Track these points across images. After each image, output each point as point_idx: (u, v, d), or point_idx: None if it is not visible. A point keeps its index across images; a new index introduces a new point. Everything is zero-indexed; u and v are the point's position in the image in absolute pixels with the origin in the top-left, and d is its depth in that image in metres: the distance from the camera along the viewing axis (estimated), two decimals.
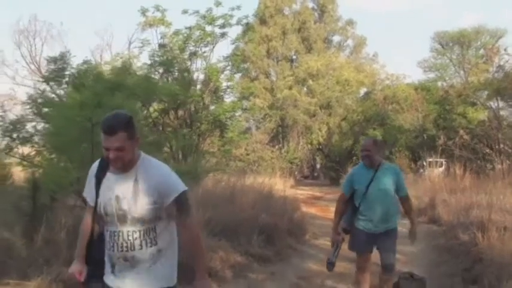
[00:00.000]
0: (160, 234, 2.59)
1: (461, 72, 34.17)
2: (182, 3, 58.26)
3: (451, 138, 16.77)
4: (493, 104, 17.36)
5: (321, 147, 32.24)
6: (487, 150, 16.44)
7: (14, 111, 20.53)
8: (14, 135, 8.99)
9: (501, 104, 16.74)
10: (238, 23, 18.33)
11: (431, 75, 35.22)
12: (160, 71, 16.35)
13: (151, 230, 2.58)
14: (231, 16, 16.81)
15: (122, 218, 2.55)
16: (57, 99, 17.50)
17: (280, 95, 31.29)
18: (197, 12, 16.38)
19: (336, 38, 38.49)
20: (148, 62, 16.23)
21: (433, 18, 70.90)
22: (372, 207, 4.62)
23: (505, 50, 15.98)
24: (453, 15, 67.65)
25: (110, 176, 2.61)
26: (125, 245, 2.55)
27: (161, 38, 17.55)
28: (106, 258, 2.64)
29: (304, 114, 30.16)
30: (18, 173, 12.83)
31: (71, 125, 4.88)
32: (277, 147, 30.89)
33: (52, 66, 12.47)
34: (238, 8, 17.17)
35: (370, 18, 63.57)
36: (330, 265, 4.79)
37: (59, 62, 12.11)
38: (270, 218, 8.29)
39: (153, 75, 15.80)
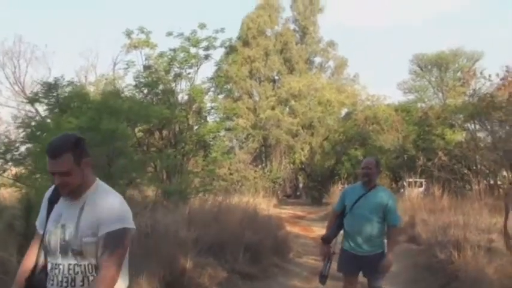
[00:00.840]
0: None
1: (440, 94, 34.99)
2: (166, 25, 58.76)
3: (430, 159, 17.16)
4: (470, 125, 17.88)
5: (303, 166, 32.57)
6: (465, 171, 16.88)
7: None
8: (8, 157, 9.12)
9: (478, 126, 17.25)
10: (222, 45, 18.76)
11: (411, 96, 36.13)
12: (145, 91, 16.62)
13: (95, 267, 2.29)
14: (215, 38, 17.18)
15: (64, 250, 2.30)
16: (41, 119, 17.68)
17: (263, 115, 31.72)
18: (181, 34, 16.69)
19: (318, 59, 39.19)
20: (133, 83, 16.51)
21: (412, 38, 72.30)
22: (355, 225, 4.78)
23: (481, 73, 16.52)
24: (433, 36, 69.02)
25: (61, 202, 2.39)
26: (65, 280, 2.30)
27: (146, 59, 17.80)
28: None
29: (286, 134, 30.58)
30: (5, 194, 13.00)
31: None
32: (260, 166, 31.18)
33: (44, 90, 12.64)
34: (222, 30, 17.51)
35: (351, 34, 64.60)
36: (323, 278, 4.91)
37: (52, 86, 12.26)
38: (255, 236, 8.53)
39: (137, 95, 16.10)
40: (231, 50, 33.88)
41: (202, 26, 16.91)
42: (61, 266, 2.30)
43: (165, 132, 16.57)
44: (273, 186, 29.31)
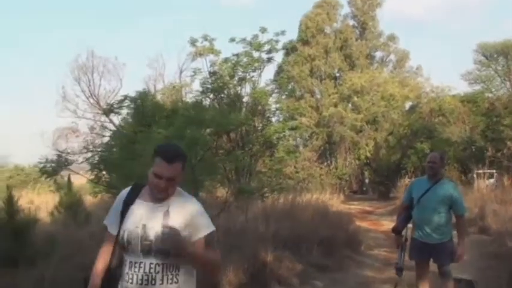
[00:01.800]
0: (183, 273, 2.49)
1: (508, 83, 33.87)
2: (228, 31, 59.98)
3: (499, 150, 16.95)
4: None
5: (368, 162, 32.52)
6: None
7: (76, 142, 22.02)
8: (102, 167, 9.88)
9: None
10: (284, 47, 19.27)
11: (477, 87, 35.08)
12: (211, 96, 17.37)
13: (175, 266, 2.45)
14: (277, 41, 17.70)
15: (147, 249, 2.42)
16: (114, 128, 18.78)
17: (326, 112, 31.90)
18: (244, 39, 17.30)
19: (379, 54, 38.79)
20: (200, 89, 17.29)
21: (474, 26, 70.04)
22: (423, 216, 5.22)
23: None
24: (496, 23, 66.63)
25: (139, 204, 2.51)
26: (145, 278, 2.42)
27: (211, 65, 18.56)
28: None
29: (350, 130, 30.67)
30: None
31: None
32: (325, 164, 31.41)
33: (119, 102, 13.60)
34: (283, 33, 17.98)
35: (410, 25, 63.49)
36: (399, 270, 5.37)
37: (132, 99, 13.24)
38: (328, 230, 9.01)
39: (204, 101, 16.86)
40: (291, 50, 34.37)
41: (263, 30, 17.33)
42: (142, 264, 2.40)
43: (232, 135, 17.21)
44: (339, 182, 29.48)
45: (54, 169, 8.90)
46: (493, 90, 34.21)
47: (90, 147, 20.83)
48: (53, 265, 5.87)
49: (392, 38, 37.65)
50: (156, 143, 6.15)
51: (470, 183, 20.58)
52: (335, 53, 35.75)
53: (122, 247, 2.44)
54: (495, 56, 35.31)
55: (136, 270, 2.40)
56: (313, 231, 8.69)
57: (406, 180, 24.21)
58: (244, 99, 18.12)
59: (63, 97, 22.69)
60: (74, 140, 22.18)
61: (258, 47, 17.32)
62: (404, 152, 28.68)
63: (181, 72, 24.13)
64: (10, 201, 6.65)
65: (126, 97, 16.42)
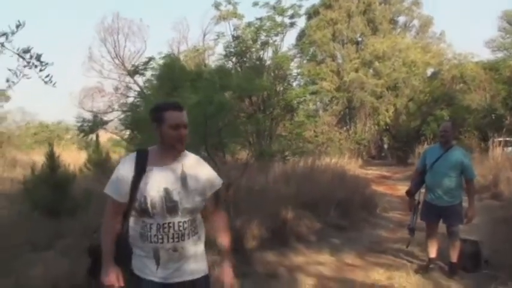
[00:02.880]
0: (199, 223, 2.76)
1: None
2: None
3: None
4: None
5: (388, 127, 32.61)
6: None
7: (102, 101, 22.60)
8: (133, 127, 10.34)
9: None
10: (306, 12, 19.41)
11: (500, 54, 34.60)
12: (234, 60, 17.66)
13: (194, 220, 2.70)
14: (300, 6, 17.86)
15: (173, 210, 2.60)
16: (138, 89, 19.24)
17: (346, 77, 31.91)
18: (267, 3, 17.46)
19: (402, 19, 38.26)
20: (223, 52, 17.60)
21: None
22: (435, 180, 5.71)
23: None
24: None
25: (152, 169, 2.62)
26: (175, 235, 2.60)
27: (234, 29, 18.80)
28: (143, 251, 2.63)
29: (371, 96, 30.68)
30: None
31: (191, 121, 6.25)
32: (344, 128, 31.61)
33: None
34: None
35: None
36: (411, 231, 6.00)
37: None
38: (345, 193, 9.46)
39: (226, 64, 17.17)
40: (313, 13, 34.19)
41: None
42: (171, 224, 2.59)
43: (254, 99, 17.53)
44: (358, 147, 29.73)
45: (91, 128, 9.42)
46: None
47: (116, 106, 21.41)
48: (91, 217, 6.45)
49: (416, 2, 37.10)
50: (187, 107, 6.61)
51: (488, 150, 20.71)
52: (358, 17, 35.38)
53: (144, 212, 2.57)
54: None
55: (166, 230, 2.58)
56: (331, 193, 9.14)
57: (425, 147, 24.46)
58: (267, 64, 18.46)
59: (90, 57, 23.22)
60: (100, 99, 22.89)
61: (282, 11, 17.52)
62: (424, 119, 28.70)
63: (204, 35, 24.40)
64: (52, 156, 7.20)
65: (151, 59, 16.97)
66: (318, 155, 16.95)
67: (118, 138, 18.79)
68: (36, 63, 3.89)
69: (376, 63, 31.79)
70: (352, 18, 35.31)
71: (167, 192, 2.60)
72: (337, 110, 32.39)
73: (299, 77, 19.41)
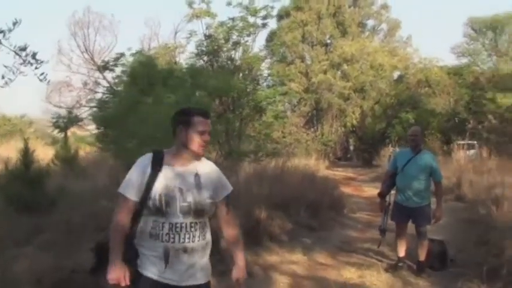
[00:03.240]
0: (207, 230, 2.82)
1: (494, 57, 34.47)
2: None
3: (481, 122, 17.57)
4: None
5: (354, 129, 33.14)
6: None
7: (70, 96, 22.25)
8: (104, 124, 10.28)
9: None
10: (277, 14, 19.61)
11: (464, 60, 35.70)
12: (205, 59, 17.69)
13: (205, 223, 2.78)
14: (273, 8, 18.01)
15: (186, 210, 2.66)
16: (107, 85, 19.08)
17: (315, 79, 32.26)
18: (240, 4, 17.54)
19: (370, 22, 38.94)
20: (195, 51, 17.61)
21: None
22: (405, 182, 5.96)
23: None
24: None
25: (168, 169, 2.70)
26: (187, 236, 2.66)
27: (206, 28, 18.81)
28: (151, 250, 2.68)
29: (338, 98, 31.15)
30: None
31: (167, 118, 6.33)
32: (312, 130, 31.95)
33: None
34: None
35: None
36: (382, 232, 6.27)
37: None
38: (314, 194, 9.65)
39: (197, 63, 17.19)
40: (284, 14, 34.40)
41: None
42: (183, 224, 2.65)
43: (224, 98, 17.59)
44: (325, 149, 30.11)
45: (65, 124, 9.37)
46: (479, 63, 34.87)
47: (83, 102, 21.11)
48: (66, 213, 6.47)
49: (385, 6, 37.83)
50: (166, 106, 6.68)
51: (451, 153, 21.32)
52: (327, 19, 35.79)
53: (158, 211, 2.63)
54: (484, 30, 35.85)
55: (178, 230, 2.65)
56: (302, 194, 9.30)
57: (390, 149, 24.99)
58: (238, 64, 18.55)
59: (59, 51, 22.89)
60: (68, 94, 22.56)
61: (255, 12, 17.61)
62: (390, 121, 29.32)
63: (176, 32, 24.36)
64: (26, 152, 7.16)
65: (121, 55, 16.86)
66: (287, 156, 17.11)
67: (81, 134, 18.58)
68: (32, 61, 3.93)
69: (345, 66, 32.30)
70: (322, 20, 35.69)
71: (181, 192, 2.68)
72: (304, 111, 32.72)
73: (269, 77, 19.59)
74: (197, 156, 2.76)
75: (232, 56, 18.15)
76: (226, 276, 5.29)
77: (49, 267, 4.36)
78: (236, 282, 2.88)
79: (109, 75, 18.46)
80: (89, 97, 20.47)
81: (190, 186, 2.72)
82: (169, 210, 2.64)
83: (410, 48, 36.05)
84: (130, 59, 16.96)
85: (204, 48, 17.44)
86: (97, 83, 21.32)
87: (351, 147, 37.97)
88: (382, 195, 6.22)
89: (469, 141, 23.02)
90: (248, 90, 17.98)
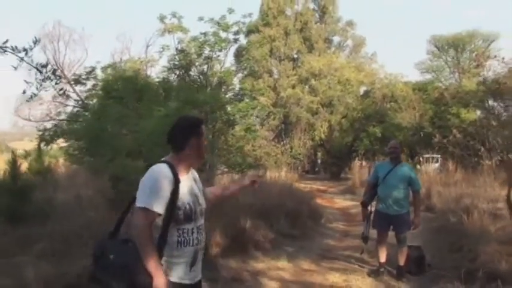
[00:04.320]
0: None
1: (456, 74, 35.76)
2: (196, 9, 59.70)
3: (445, 136, 18.18)
4: (484, 104, 18.83)
5: (322, 143, 33.65)
6: (478, 147, 17.89)
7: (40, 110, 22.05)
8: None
9: (493, 103, 18.16)
10: (248, 29, 20.05)
11: (428, 76, 36.87)
12: (177, 72, 17.91)
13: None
14: (244, 23, 18.42)
15: (201, 213, 2.91)
16: (77, 98, 19.03)
17: (283, 93, 32.76)
18: (212, 19, 17.86)
19: (336, 39, 39.78)
20: (167, 65, 17.81)
21: (431, 18, 72.50)
22: (386, 191, 6.37)
23: (495, 56, 17.49)
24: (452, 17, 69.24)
25: (183, 179, 2.82)
26: (205, 237, 2.95)
27: (179, 43, 19.05)
28: (182, 258, 2.78)
29: (307, 112, 31.63)
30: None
31: (160, 131, 6.58)
32: (282, 143, 32.34)
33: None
34: (250, 15, 18.75)
35: (370, 11, 65.15)
36: (365, 239, 6.60)
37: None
38: (293, 205, 9.98)
39: (170, 78, 17.40)
40: (254, 29, 34.88)
41: (230, 11, 17.99)
42: (201, 226, 2.88)
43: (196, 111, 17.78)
44: (294, 162, 30.48)
45: (51, 137, 9.45)
46: (443, 80, 36.07)
47: (53, 115, 20.95)
48: (58, 223, 6.61)
49: (350, 23, 38.72)
50: (156, 119, 6.91)
51: (416, 166, 21.97)
52: (295, 35, 36.48)
53: (188, 218, 2.78)
54: (446, 47, 37.13)
55: (201, 231, 2.88)
56: (281, 204, 9.63)
57: (358, 163, 25.55)
58: (210, 78, 18.84)
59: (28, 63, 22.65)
60: (38, 107, 22.33)
61: (226, 28, 17.97)
62: (357, 135, 29.84)
63: (147, 47, 24.48)
64: (14, 166, 7.27)
65: (94, 68, 16.93)
66: (265, 169, 17.44)
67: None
68: (52, 76, 4.14)
69: (313, 81, 32.86)
70: (289, 36, 36.34)
71: (196, 197, 2.91)
72: (274, 125, 33.07)
73: (241, 91, 19.90)
74: (201, 161, 3.09)
75: (205, 70, 18.48)
76: (217, 283, 5.58)
77: (54, 274, 4.53)
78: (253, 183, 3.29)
79: (80, 88, 18.42)
80: (58, 110, 20.36)
81: (199, 190, 2.97)
82: (194, 216, 2.83)
83: (375, 64, 37.05)
84: (104, 72, 17.11)
85: (176, 63, 17.71)
86: (67, 96, 21.19)
87: (319, 161, 38.52)
88: (364, 204, 6.59)
89: (433, 155, 23.89)
90: (221, 103, 18.33)
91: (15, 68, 4.23)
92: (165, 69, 17.80)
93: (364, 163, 27.83)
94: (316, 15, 38.99)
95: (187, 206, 2.80)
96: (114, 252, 2.70)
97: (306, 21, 37.23)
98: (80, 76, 17.29)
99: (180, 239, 2.77)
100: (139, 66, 22.49)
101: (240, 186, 3.41)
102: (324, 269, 6.82)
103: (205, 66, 18.56)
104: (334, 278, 6.34)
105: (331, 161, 32.06)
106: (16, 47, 4.12)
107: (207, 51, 18.29)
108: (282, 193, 10.91)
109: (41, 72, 4.20)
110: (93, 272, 2.74)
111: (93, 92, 16.04)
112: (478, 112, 20.59)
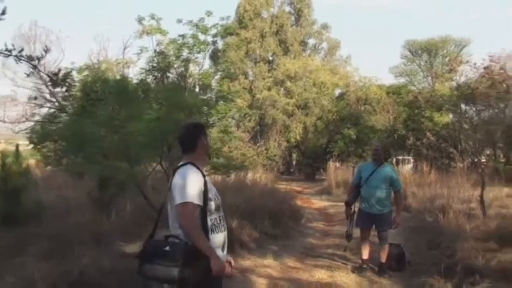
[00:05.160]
0: None
1: (429, 78, 36.70)
2: (175, 11, 59.46)
3: (419, 139, 18.63)
4: (456, 108, 19.36)
5: (297, 144, 34.01)
6: (451, 150, 18.42)
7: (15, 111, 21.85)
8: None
9: (466, 107, 18.69)
10: (225, 31, 20.29)
11: (402, 80, 37.76)
12: (156, 74, 18.01)
13: None
14: (222, 26, 18.67)
15: (221, 204, 3.32)
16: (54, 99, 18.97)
17: (259, 95, 33.03)
18: (190, 21, 18.01)
19: (312, 41, 40.22)
20: (145, 66, 17.90)
21: (405, 23, 73.79)
22: (369, 192, 6.67)
23: (467, 61, 18.00)
24: (425, 21, 70.63)
25: (206, 176, 3.23)
26: (225, 224, 3.38)
27: (157, 45, 19.16)
28: (216, 242, 3.17)
29: (282, 114, 31.94)
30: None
31: (149, 134, 6.76)
32: (258, 145, 32.57)
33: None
34: (228, 18, 19.04)
35: (346, 14, 65.99)
36: (349, 237, 6.91)
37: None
38: (275, 205, 10.24)
39: (148, 79, 17.49)
40: (233, 32, 35.06)
41: (209, 13, 18.17)
42: (223, 216, 3.34)
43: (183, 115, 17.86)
44: (270, 163, 30.72)
45: (40, 138, 9.51)
46: (416, 83, 36.98)
47: (29, 116, 20.77)
48: (47, 224, 6.74)
49: (325, 26, 39.17)
50: (146, 122, 7.08)
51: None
52: (270, 37, 36.75)
53: (218, 208, 3.25)
54: (420, 52, 38.06)
55: (224, 220, 3.34)
56: (264, 205, 9.88)
57: (332, 164, 25.96)
58: (189, 80, 19.01)
59: (3, 65, 22.43)
60: (13, 108, 22.10)
61: (205, 30, 18.16)
62: (332, 137, 30.28)
63: (125, 48, 24.48)
64: (3, 167, 7.35)
65: (72, 70, 16.89)
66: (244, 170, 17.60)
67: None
68: (62, 83, 4.31)
69: (288, 83, 33.19)
70: (265, 38, 36.61)
71: (216, 191, 3.34)
72: (249, 127, 33.29)
73: (218, 93, 20.08)
74: (207, 160, 3.61)
75: (184, 72, 18.62)
76: None
77: (58, 272, 4.68)
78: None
79: (57, 90, 18.35)
80: (33, 111, 20.23)
81: (214, 186, 3.38)
82: (219, 208, 3.27)
83: (350, 67, 37.59)
84: (83, 74, 17.11)
85: (155, 65, 17.81)
86: (44, 98, 21.08)
87: (293, 162, 38.89)
88: (348, 204, 6.90)
89: (406, 157, 24.50)
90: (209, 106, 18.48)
91: (28, 75, 4.42)
92: (143, 71, 17.98)
93: (338, 164, 28.25)
94: (292, 18, 39.32)
95: (217, 198, 3.27)
96: (167, 245, 3.05)
97: (282, 24, 37.49)
98: (57, 77, 17.25)
99: (212, 226, 3.17)
100: (116, 68, 22.57)
101: None
102: (309, 266, 7.09)
103: (183, 69, 18.76)
104: (320, 274, 6.61)
105: (306, 162, 32.39)
106: (31, 55, 4.28)
107: (185, 53, 18.49)
108: (264, 194, 11.18)
109: (52, 79, 4.36)
110: (149, 268, 3.02)
111: (71, 93, 16.00)
112: (451, 116, 21.15)
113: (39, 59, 4.33)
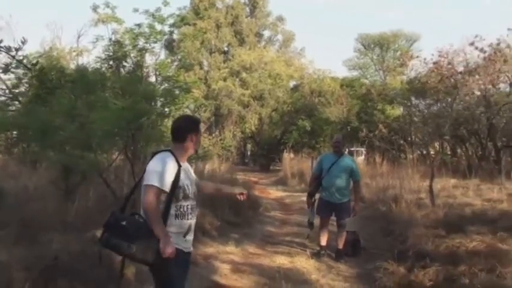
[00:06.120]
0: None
1: (381, 72, 37.69)
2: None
3: (371, 131, 19.20)
4: (407, 102, 20.09)
5: (252, 135, 34.32)
6: (402, 142, 19.11)
7: None
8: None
9: (414, 102, 19.42)
10: (182, 20, 20.24)
11: (355, 73, 38.64)
12: (111, 63, 17.85)
13: (196, 204, 3.55)
14: (179, 16, 18.62)
15: (194, 195, 3.50)
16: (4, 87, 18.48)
17: (215, 86, 33.09)
18: (147, 11, 17.90)
19: (267, 33, 40.57)
20: (100, 55, 17.71)
21: (359, 17, 75.03)
22: (330, 181, 7.00)
23: (417, 56, 18.71)
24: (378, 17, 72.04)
25: (182, 165, 3.42)
26: (195, 213, 3.53)
27: (113, 33, 18.94)
28: (178, 228, 3.37)
29: (238, 104, 32.16)
30: None
31: (114, 123, 6.85)
32: (213, 135, 32.68)
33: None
34: (185, 8, 18.95)
35: (301, 8, 66.54)
36: (310, 225, 7.21)
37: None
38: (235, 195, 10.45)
39: (104, 69, 17.34)
40: (189, 22, 34.88)
41: (165, 3, 18.10)
42: (194, 205, 3.49)
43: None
44: (226, 154, 30.90)
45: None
46: (368, 77, 37.91)
47: None
48: (10, 211, 6.75)
49: (280, 18, 39.57)
50: (111, 112, 7.14)
51: None
52: (226, 28, 36.81)
53: (186, 196, 3.41)
54: (372, 46, 38.98)
55: (194, 209, 3.51)
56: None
57: (287, 155, 26.31)
58: (146, 70, 18.91)
59: None
60: None
61: (162, 20, 18.07)
62: (286, 128, 30.66)
63: (79, 36, 24.09)
64: None
65: (25, 57, 16.49)
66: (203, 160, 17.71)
67: None
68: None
69: (244, 74, 33.37)
70: (221, 28, 36.64)
71: (191, 181, 3.55)
72: (205, 117, 33.32)
73: (176, 84, 20.07)
74: (193, 153, 3.72)
75: (140, 62, 18.51)
76: None
77: (30, 257, 4.76)
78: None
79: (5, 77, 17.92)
80: None
81: (192, 177, 3.60)
82: (191, 195, 3.47)
83: (304, 59, 38.13)
84: (34, 61, 16.72)
85: (111, 54, 17.64)
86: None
87: (248, 153, 39.21)
88: (310, 194, 7.21)
89: (358, 148, 25.16)
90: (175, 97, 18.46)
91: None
92: (99, 60, 17.78)
93: (292, 155, 28.64)
94: (247, 9, 39.50)
95: (186, 186, 3.42)
96: (125, 220, 3.31)
97: (237, 15, 37.59)
98: (9, 64, 16.88)
99: (177, 213, 3.38)
100: (69, 56, 22.19)
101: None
102: (269, 253, 7.37)
103: (139, 58, 18.62)
104: (280, 260, 6.90)
105: (261, 153, 32.75)
106: (10, 46, 4.32)
107: (141, 43, 18.34)
108: (224, 183, 11.34)
109: (30, 69, 4.42)
110: (107, 237, 3.24)
111: (24, 81, 15.66)
112: (402, 109, 21.89)
113: (17, 49, 4.35)
